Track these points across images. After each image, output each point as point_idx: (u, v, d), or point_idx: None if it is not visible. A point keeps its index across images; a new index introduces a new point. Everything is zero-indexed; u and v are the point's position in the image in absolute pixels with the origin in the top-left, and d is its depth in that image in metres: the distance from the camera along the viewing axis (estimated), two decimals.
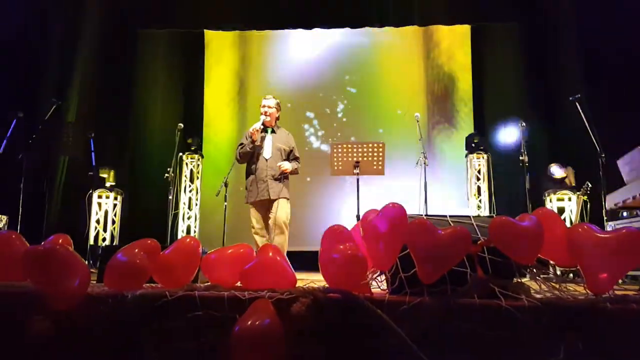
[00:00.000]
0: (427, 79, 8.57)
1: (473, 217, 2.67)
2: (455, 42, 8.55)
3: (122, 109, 7.93)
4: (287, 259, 3.05)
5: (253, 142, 5.28)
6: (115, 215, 7.46)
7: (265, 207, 5.31)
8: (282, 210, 5.20)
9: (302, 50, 8.63)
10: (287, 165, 5.31)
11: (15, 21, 6.83)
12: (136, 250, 2.51)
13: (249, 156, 5.40)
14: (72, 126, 5.79)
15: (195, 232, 8.15)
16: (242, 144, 5.44)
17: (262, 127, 5.34)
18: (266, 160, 5.32)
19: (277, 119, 5.58)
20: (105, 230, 7.34)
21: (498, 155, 7.67)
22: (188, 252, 2.66)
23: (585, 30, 6.86)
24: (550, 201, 6.89)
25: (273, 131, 5.47)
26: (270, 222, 5.20)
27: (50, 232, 6.10)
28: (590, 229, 2.40)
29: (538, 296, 2.33)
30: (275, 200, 5.24)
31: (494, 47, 8.38)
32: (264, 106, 5.45)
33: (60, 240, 2.86)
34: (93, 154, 6.34)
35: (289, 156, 5.49)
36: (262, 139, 5.38)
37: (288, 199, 5.34)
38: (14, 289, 2.54)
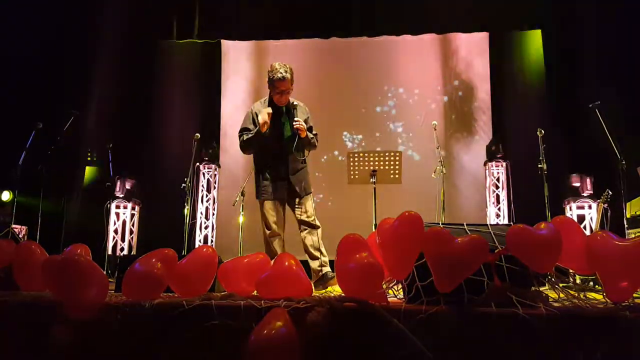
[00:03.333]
0: (445, 87, 8.53)
1: (490, 225, 2.66)
2: (473, 49, 8.51)
3: (140, 119, 8.02)
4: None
5: (262, 132, 4.22)
6: (133, 225, 7.52)
7: (283, 203, 4.39)
8: (310, 208, 4.35)
9: (319, 60, 8.64)
10: (304, 125, 4.26)
11: (35, 33, 6.96)
12: (153, 260, 2.54)
13: (259, 146, 4.36)
14: (90, 137, 5.86)
15: (212, 241, 8.18)
16: (246, 129, 4.39)
17: (269, 116, 4.22)
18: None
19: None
20: (123, 240, 7.40)
21: (517, 163, 7.60)
22: (205, 262, 2.68)
23: (606, 37, 6.81)
24: (570, 209, 6.81)
25: (289, 110, 4.38)
26: (302, 217, 4.30)
27: (69, 242, 6.19)
28: (609, 236, 2.37)
29: (556, 305, 2.30)
30: (300, 198, 4.35)
31: (513, 54, 8.32)
32: (282, 90, 4.24)
33: (78, 250, 2.90)
34: (111, 164, 6.41)
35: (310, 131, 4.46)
36: (278, 124, 4.33)
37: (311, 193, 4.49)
38: (34, 298, 2.57)
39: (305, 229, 4.28)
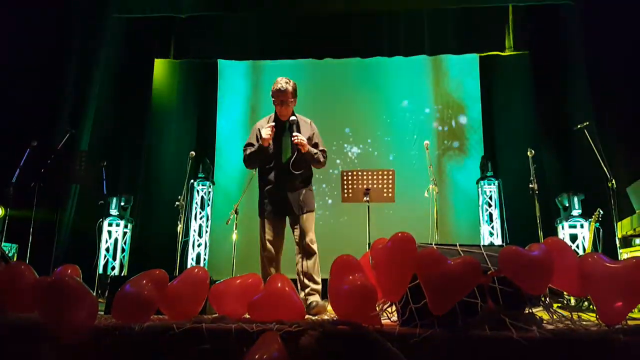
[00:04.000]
0: (436, 107, 8.61)
1: (483, 246, 2.65)
2: (464, 70, 8.60)
3: (136, 137, 8.01)
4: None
5: (264, 147, 4.23)
6: (125, 243, 7.47)
7: (283, 223, 4.30)
8: (309, 230, 4.20)
9: (313, 80, 8.67)
10: (304, 139, 4.16)
11: (31, 51, 6.95)
12: (144, 281, 2.51)
13: (261, 160, 4.33)
14: (84, 155, 5.83)
15: (205, 259, 8.13)
16: (250, 144, 4.38)
17: (272, 130, 4.19)
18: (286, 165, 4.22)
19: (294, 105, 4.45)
20: (114, 258, 7.34)
21: (509, 182, 7.63)
22: (196, 283, 2.65)
23: (594, 58, 6.87)
24: (562, 228, 6.82)
25: (290, 126, 4.28)
26: (298, 240, 4.20)
27: (60, 260, 6.14)
28: (600, 258, 2.37)
29: (550, 327, 2.29)
30: (299, 215, 4.21)
31: (503, 75, 8.41)
32: (281, 100, 4.23)
33: (69, 271, 2.86)
34: (105, 182, 6.38)
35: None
36: (279, 140, 4.26)
37: (314, 211, 4.35)
38: (22, 320, 2.54)
39: (300, 254, 4.16)
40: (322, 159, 4.35)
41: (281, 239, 4.26)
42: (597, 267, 2.34)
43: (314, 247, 4.16)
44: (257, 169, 4.46)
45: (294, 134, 4.15)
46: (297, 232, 4.21)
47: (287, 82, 4.24)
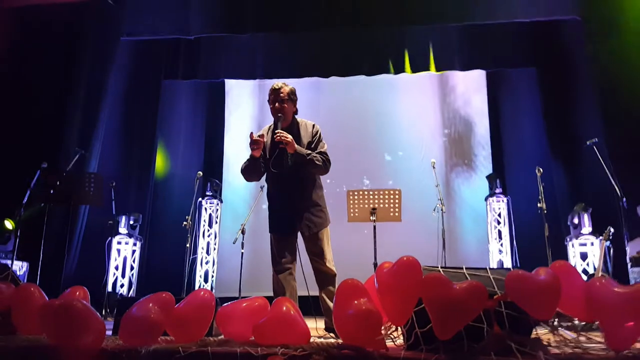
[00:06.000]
0: (443, 123, 8.60)
1: (490, 269, 2.64)
2: (471, 86, 8.61)
3: (144, 156, 8.07)
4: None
5: (254, 158, 3.96)
6: (134, 261, 7.50)
7: (291, 238, 3.92)
8: (320, 250, 3.90)
9: (319, 98, 8.72)
10: (288, 136, 3.75)
11: (41, 72, 7.05)
12: (150, 304, 2.53)
13: (260, 171, 4.02)
14: (94, 176, 5.88)
15: (212, 277, 8.14)
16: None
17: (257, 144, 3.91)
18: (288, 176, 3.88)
19: (295, 112, 4.11)
20: (123, 276, 7.37)
21: (518, 198, 7.59)
22: (202, 306, 2.66)
23: (603, 74, 6.82)
24: (572, 246, 6.76)
25: (290, 132, 3.88)
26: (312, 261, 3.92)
27: (69, 279, 6.18)
28: (608, 283, 2.35)
29: (556, 352, 2.28)
30: (312, 234, 3.91)
31: (511, 91, 8.41)
32: (274, 99, 3.95)
33: (77, 294, 2.89)
34: (114, 202, 6.46)
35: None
36: (278, 149, 3.86)
37: (326, 228, 4.02)
38: (31, 342, 2.56)
39: (317, 278, 3.90)
40: (318, 162, 3.88)
41: (294, 251, 3.91)
42: (605, 292, 2.32)
43: (331, 267, 3.91)
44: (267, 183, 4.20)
45: (277, 131, 3.79)
46: (310, 254, 3.94)
47: (283, 83, 3.99)
